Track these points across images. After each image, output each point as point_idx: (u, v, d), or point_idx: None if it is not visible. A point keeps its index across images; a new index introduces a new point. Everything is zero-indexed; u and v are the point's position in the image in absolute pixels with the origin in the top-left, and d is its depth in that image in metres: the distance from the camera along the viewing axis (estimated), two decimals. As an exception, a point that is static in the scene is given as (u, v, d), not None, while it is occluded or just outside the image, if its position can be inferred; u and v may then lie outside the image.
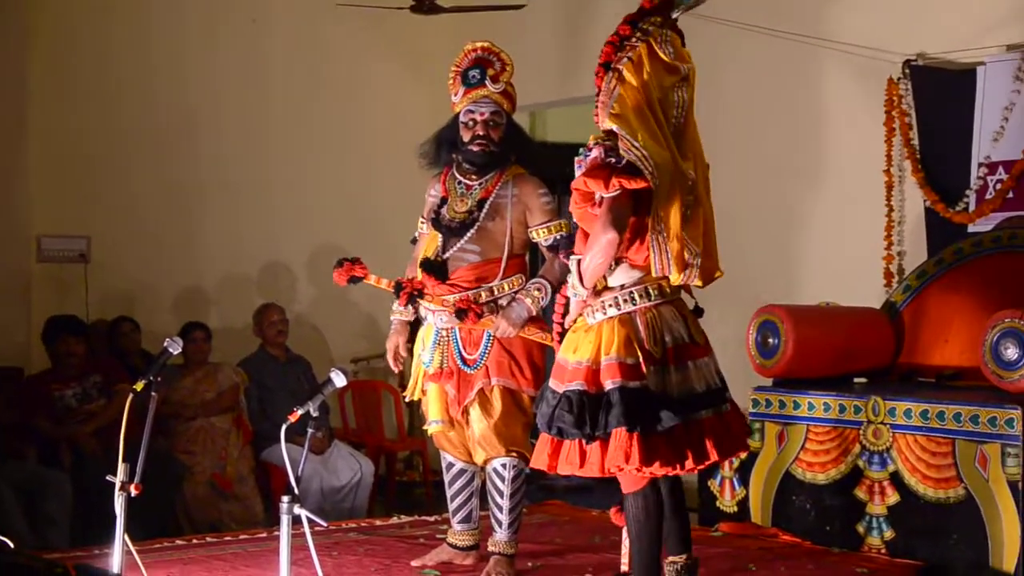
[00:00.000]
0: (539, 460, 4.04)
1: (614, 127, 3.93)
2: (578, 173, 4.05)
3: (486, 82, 4.84)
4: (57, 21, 7.67)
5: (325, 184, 8.60)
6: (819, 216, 7.02)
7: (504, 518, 4.89)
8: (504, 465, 4.84)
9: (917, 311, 6.08)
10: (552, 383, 4.03)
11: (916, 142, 6.48)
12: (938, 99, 6.39)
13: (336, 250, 7.77)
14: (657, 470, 3.88)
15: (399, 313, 4.99)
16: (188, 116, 8.13)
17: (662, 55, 4.00)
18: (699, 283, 4.02)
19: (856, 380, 5.91)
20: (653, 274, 3.95)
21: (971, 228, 6.18)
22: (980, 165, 6.18)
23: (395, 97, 8.86)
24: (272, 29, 8.42)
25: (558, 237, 4.85)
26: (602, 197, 3.89)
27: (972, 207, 6.20)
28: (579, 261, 3.94)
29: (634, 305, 3.97)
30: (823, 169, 7.02)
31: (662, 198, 3.88)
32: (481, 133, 4.84)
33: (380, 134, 8.76)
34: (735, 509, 5.82)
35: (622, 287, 3.99)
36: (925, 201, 6.41)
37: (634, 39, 4.02)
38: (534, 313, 4.79)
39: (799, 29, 6.78)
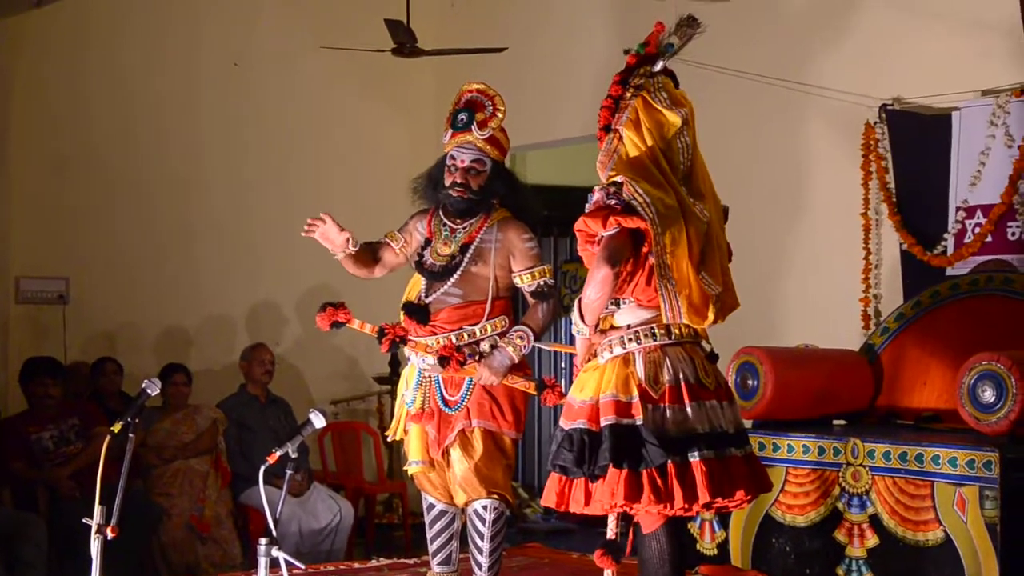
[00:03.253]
0: (548, 499, 4.05)
1: (618, 178, 3.98)
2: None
3: (472, 127, 4.84)
4: (35, 62, 7.68)
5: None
6: (798, 258, 7.06)
7: (484, 560, 4.87)
8: (485, 507, 4.83)
9: (895, 353, 6.11)
10: (561, 422, 4.07)
11: (893, 186, 6.53)
12: (914, 143, 6.45)
13: (321, 291, 7.79)
14: (646, 507, 3.89)
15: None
16: (169, 157, 8.14)
17: (658, 106, 4.05)
18: (720, 319, 4.05)
19: (835, 422, 5.92)
20: (663, 319, 3.98)
21: (949, 271, 6.22)
22: (958, 209, 6.22)
23: (378, 137, 8.90)
24: (254, 71, 8.44)
25: (542, 283, 4.86)
26: (601, 236, 3.94)
27: (951, 250, 6.23)
28: (579, 299, 3.98)
29: (638, 344, 4.00)
30: (802, 212, 7.06)
31: (667, 245, 3.92)
32: (459, 180, 4.85)
33: (364, 174, 8.79)
34: (715, 552, 5.81)
35: (628, 327, 4.03)
36: (902, 244, 6.45)
37: (628, 96, 4.07)
38: (516, 361, 4.79)
39: (778, 73, 6.84)
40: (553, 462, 4.00)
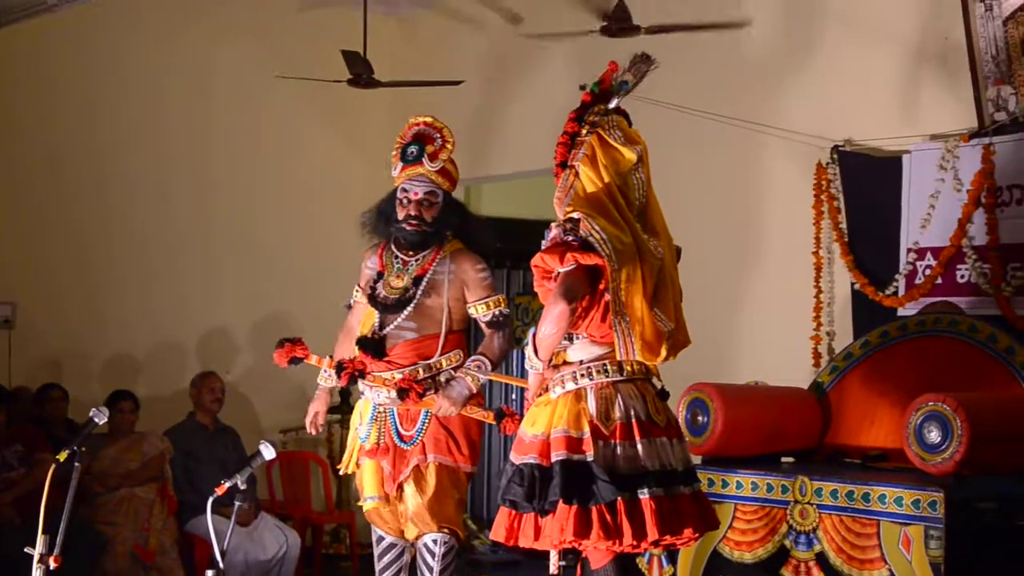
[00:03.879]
0: (498, 533, 4.05)
1: (575, 215, 4.00)
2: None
3: (423, 160, 4.85)
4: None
5: (263, 253, 8.57)
6: (750, 296, 7.10)
7: (432, 594, 4.85)
8: (435, 540, 4.81)
9: (843, 392, 6.15)
10: (511, 455, 4.07)
11: (845, 226, 6.60)
12: (865, 184, 6.52)
13: (275, 319, 7.76)
14: (595, 543, 3.89)
15: (323, 380, 4.99)
16: (126, 184, 8.10)
17: (613, 142, 4.09)
18: (672, 356, 4.07)
19: (784, 460, 5.95)
20: (617, 355, 4.00)
21: (900, 312, 6.28)
22: (909, 250, 6.29)
23: (334, 167, 8.89)
24: (213, 99, 8.42)
25: (496, 313, 4.87)
26: (558, 272, 3.94)
27: (902, 291, 6.30)
28: (533, 333, 3.99)
29: (590, 380, 4.02)
30: (755, 250, 7.11)
31: (622, 282, 3.95)
32: (413, 213, 4.85)
33: (320, 204, 8.77)
34: (663, 587, 5.81)
35: (580, 362, 4.05)
36: (854, 284, 6.50)
37: (584, 133, 4.11)
38: (474, 391, 4.79)
39: (732, 113, 6.90)
40: (503, 496, 4.01)
